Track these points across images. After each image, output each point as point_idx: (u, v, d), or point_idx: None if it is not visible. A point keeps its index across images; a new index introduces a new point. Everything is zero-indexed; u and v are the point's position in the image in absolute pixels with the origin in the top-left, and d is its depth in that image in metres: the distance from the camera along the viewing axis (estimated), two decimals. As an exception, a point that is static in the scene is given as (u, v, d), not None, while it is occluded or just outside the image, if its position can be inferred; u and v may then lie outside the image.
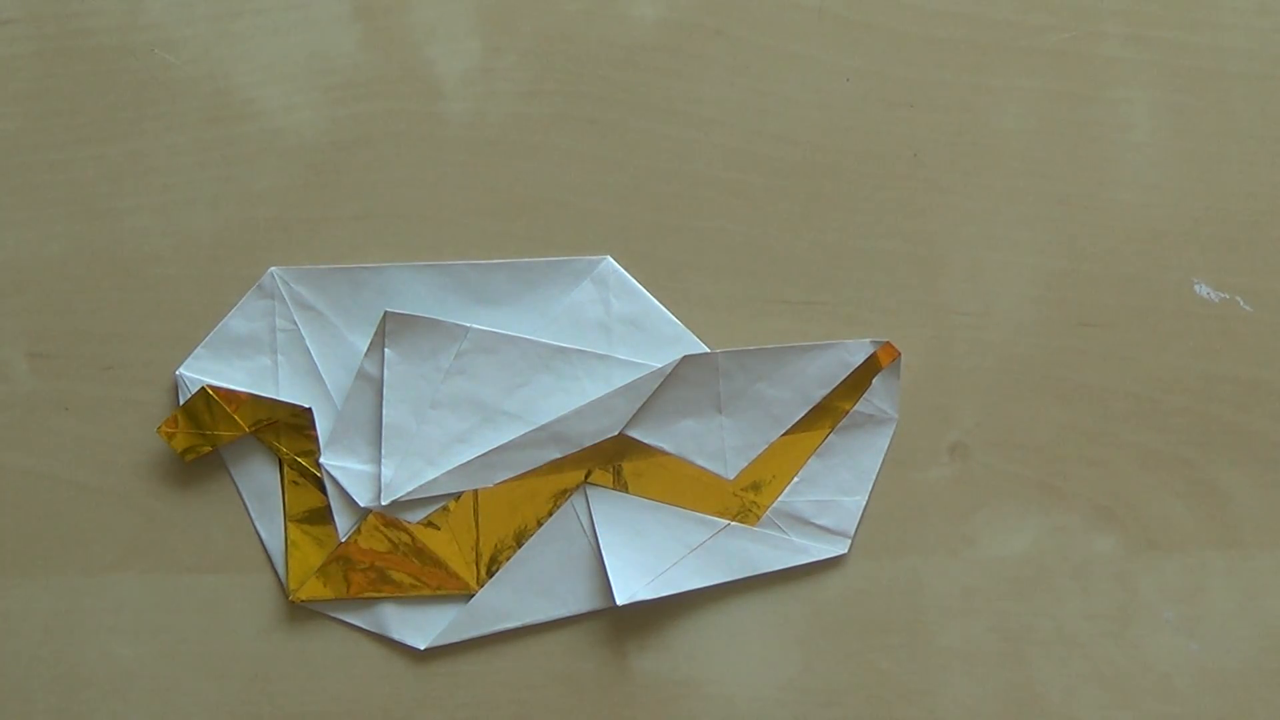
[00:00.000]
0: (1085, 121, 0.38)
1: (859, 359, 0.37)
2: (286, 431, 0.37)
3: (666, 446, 0.37)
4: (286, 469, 0.37)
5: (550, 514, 0.37)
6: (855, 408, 0.38)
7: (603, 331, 0.37)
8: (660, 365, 0.37)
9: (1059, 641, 0.38)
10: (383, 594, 0.37)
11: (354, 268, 0.37)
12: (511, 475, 0.37)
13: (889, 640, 0.38)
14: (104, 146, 0.38)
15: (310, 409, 0.37)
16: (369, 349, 0.37)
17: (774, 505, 0.38)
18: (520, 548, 0.37)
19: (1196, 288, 0.38)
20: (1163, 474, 0.38)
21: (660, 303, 0.38)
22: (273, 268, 0.37)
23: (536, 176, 0.38)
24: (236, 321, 0.37)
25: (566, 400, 0.37)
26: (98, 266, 0.38)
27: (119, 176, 0.38)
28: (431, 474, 0.37)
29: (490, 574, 0.37)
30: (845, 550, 0.38)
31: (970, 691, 0.38)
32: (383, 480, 0.37)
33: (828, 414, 0.38)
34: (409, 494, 0.37)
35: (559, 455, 0.37)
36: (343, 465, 0.37)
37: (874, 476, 0.38)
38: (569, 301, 0.37)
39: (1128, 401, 0.38)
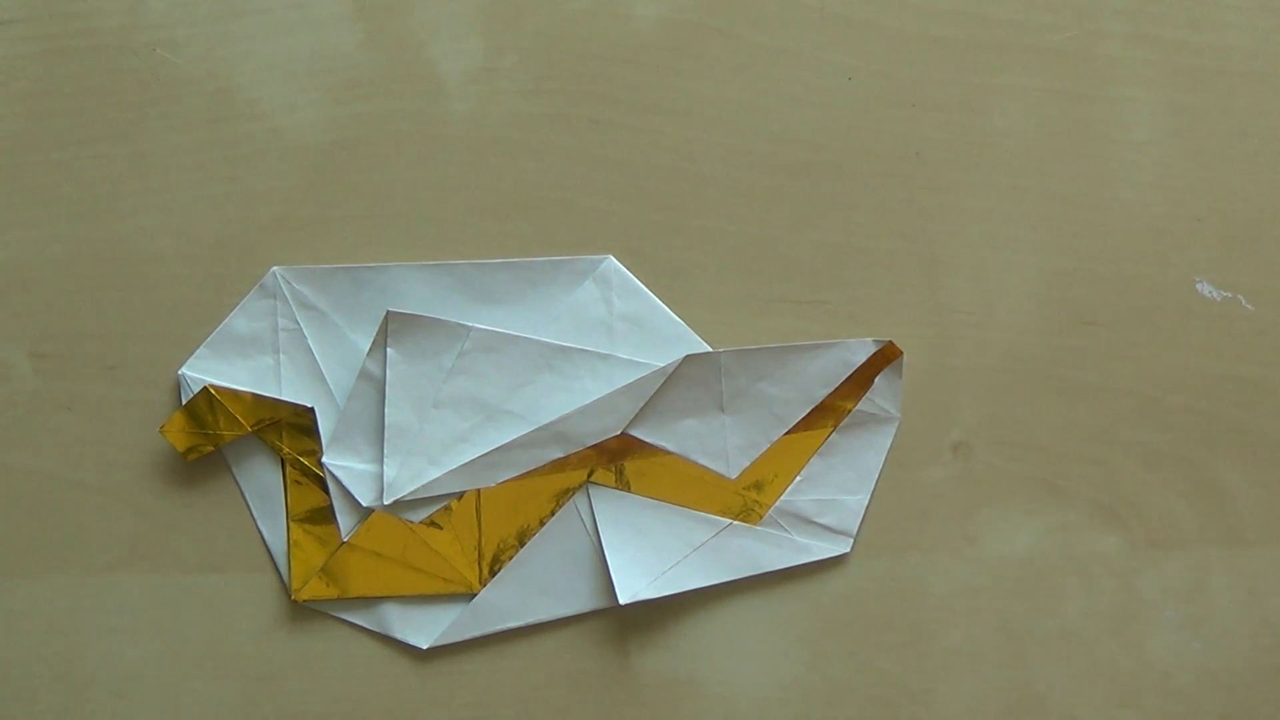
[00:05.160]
0: (1087, 120, 0.38)
1: (861, 358, 0.37)
2: (289, 431, 0.37)
3: (669, 445, 0.37)
4: (289, 468, 0.37)
5: (553, 513, 0.37)
6: (858, 407, 0.38)
7: (605, 331, 0.37)
8: (662, 364, 0.37)
9: (1061, 640, 0.38)
10: (385, 593, 0.37)
11: (356, 267, 0.37)
12: (514, 474, 0.37)
13: (891, 639, 0.38)
14: (106, 146, 0.38)
15: (313, 408, 0.37)
16: (371, 348, 0.37)
17: (776, 504, 0.38)
18: (523, 547, 0.37)
19: (1198, 286, 0.38)
20: (1165, 472, 0.38)
21: (662, 302, 0.38)
22: (275, 267, 0.37)
23: (538, 176, 0.38)
24: (239, 321, 0.37)
25: (569, 399, 0.37)
26: (100, 266, 0.38)
27: (121, 176, 0.38)
28: (434, 473, 0.37)
29: (493, 573, 0.37)
30: (848, 549, 0.38)
31: (972, 690, 0.38)
32: (385, 480, 0.37)
33: (830, 413, 0.38)
34: (411, 493, 0.37)
35: (561, 454, 0.37)
36: (345, 465, 0.37)
37: (876, 475, 0.38)
38: (571, 301, 0.37)
39: (1130, 400, 0.38)
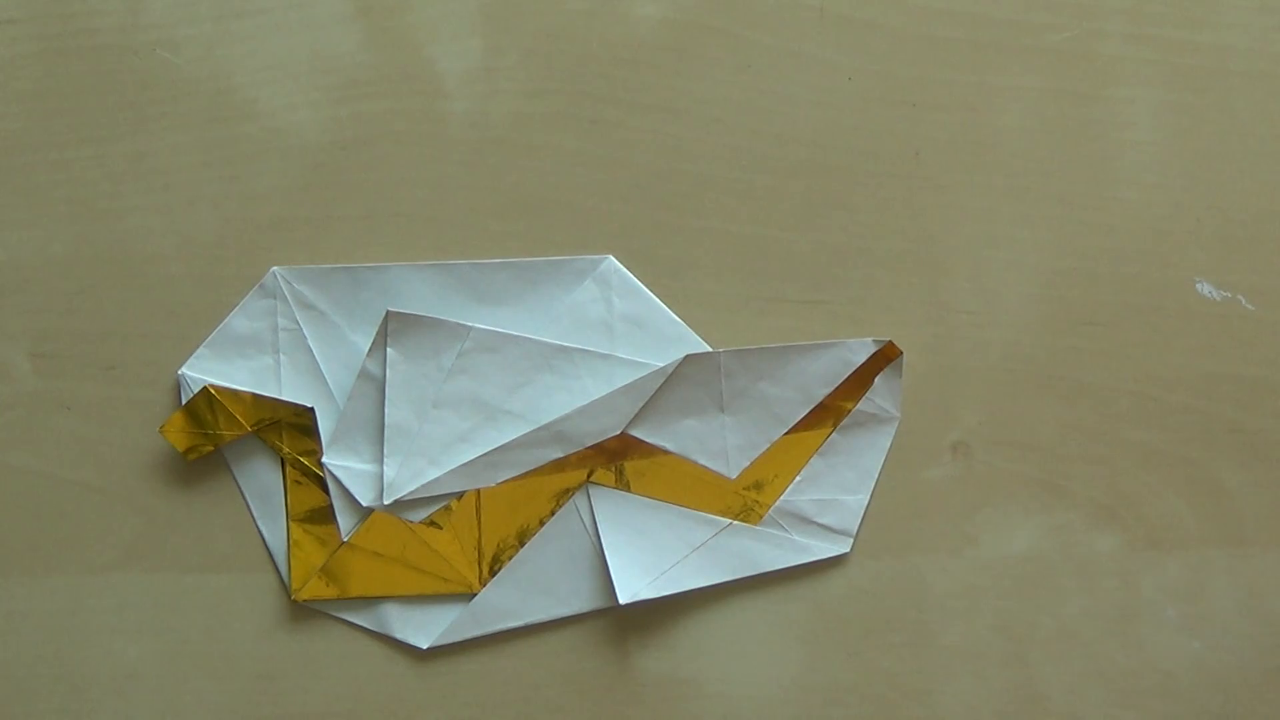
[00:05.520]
0: (1087, 120, 0.38)
1: (861, 358, 0.37)
2: (289, 431, 0.37)
3: (669, 445, 0.37)
4: (289, 468, 0.37)
5: (552, 513, 0.37)
6: (857, 407, 0.38)
7: (605, 331, 0.37)
8: (662, 364, 0.37)
9: (1061, 640, 0.38)
10: (385, 593, 0.37)
11: (356, 267, 0.37)
12: (514, 474, 0.37)
13: (891, 639, 0.38)
14: (106, 146, 0.38)
15: (313, 408, 0.37)
16: (371, 348, 0.37)
17: (776, 504, 0.38)
18: (522, 547, 0.37)
19: (1198, 286, 0.38)
20: (1164, 472, 0.38)
21: (662, 302, 0.38)
22: (275, 267, 0.37)
23: (538, 176, 0.38)
24: (239, 321, 0.37)
25: (569, 399, 0.37)
26: (100, 266, 0.38)
27: (121, 176, 0.38)
28: (434, 473, 0.37)
29: (493, 573, 0.37)
30: (848, 549, 0.38)
31: (972, 690, 0.38)
32: (385, 479, 0.37)
33: (830, 413, 0.38)
34: (411, 493, 0.37)
35: (561, 454, 0.37)
36: (345, 465, 0.37)
37: (876, 475, 0.38)
38: (571, 301, 0.37)
39: (1129, 400, 0.38)
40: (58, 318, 0.38)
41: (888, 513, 0.38)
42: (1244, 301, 0.38)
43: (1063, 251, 0.38)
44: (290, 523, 0.37)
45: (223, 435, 0.37)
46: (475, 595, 0.37)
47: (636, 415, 0.37)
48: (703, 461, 0.37)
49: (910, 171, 0.38)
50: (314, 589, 0.37)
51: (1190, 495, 0.38)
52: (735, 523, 0.38)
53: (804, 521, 0.38)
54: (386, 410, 0.37)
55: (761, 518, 0.38)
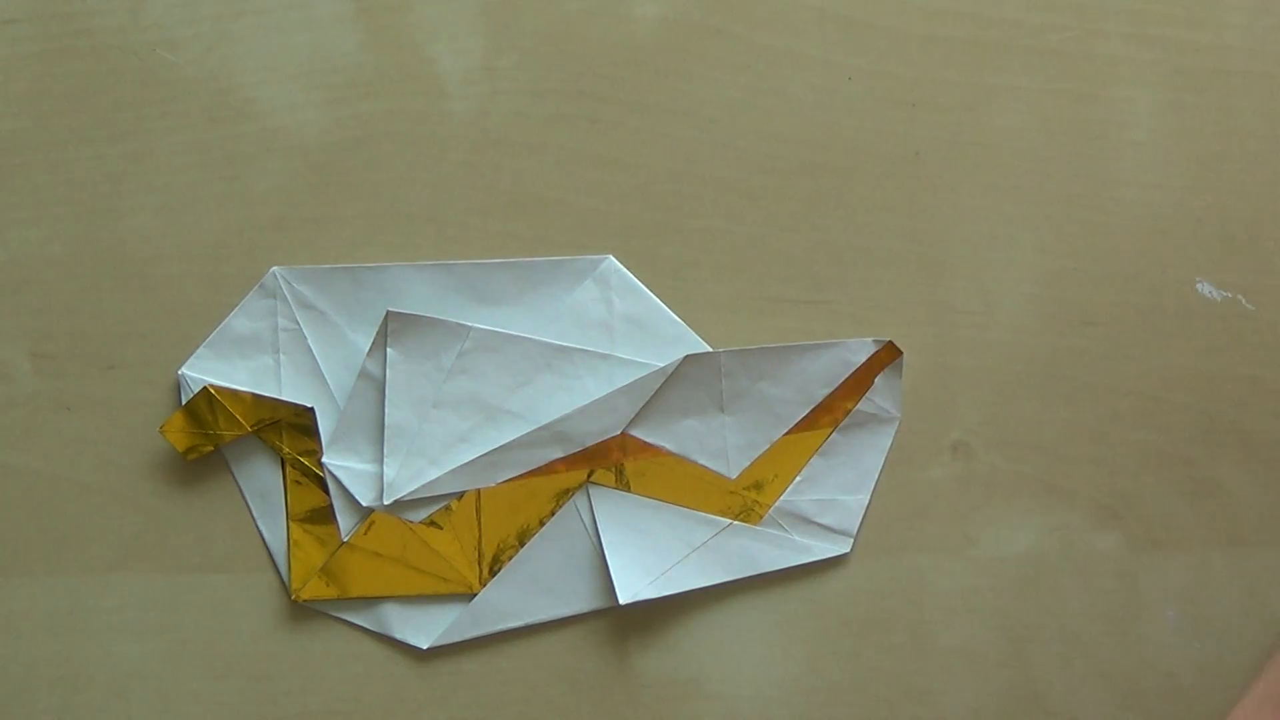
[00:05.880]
0: (1087, 120, 0.38)
1: (861, 358, 0.37)
2: (289, 431, 0.37)
3: (669, 445, 0.37)
4: (289, 468, 0.37)
5: (552, 513, 0.37)
6: (857, 407, 0.38)
7: (605, 331, 0.37)
8: (662, 364, 0.37)
9: (1061, 640, 0.38)
10: (385, 593, 0.37)
11: (356, 267, 0.37)
12: (514, 474, 0.37)
13: (892, 639, 0.38)
14: (106, 146, 0.38)
15: (313, 408, 0.37)
16: (371, 348, 0.37)
17: (776, 504, 0.38)
18: (522, 547, 0.37)
19: (1199, 286, 0.38)
20: (1165, 472, 0.38)
21: (662, 302, 0.38)
22: (275, 267, 0.37)
23: (538, 176, 0.38)
24: (239, 321, 0.37)
25: (569, 399, 0.37)
26: (100, 266, 0.38)
27: (121, 176, 0.38)
28: (434, 473, 0.37)
29: (493, 573, 0.37)
30: (848, 549, 0.38)
31: (973, 690, 0.38)
32: (385, 480, 0.37)
33: (830, 413, 0.38)
34: (411, 493, 0.37)
35: (561, 454, 0.37)
36: (345, 465, 0.37)
37: (876, 475, 0.38)
38: (571, 301, 0.37)
39: (1130, 400, 0.38)
40: (58, 318, 0.38)
41: (888, 513, 0.38)
42: (1244, 301, 0.38)
43: (1062, 251, 0.38)
44: (290, 523, 0.37)
45: (223, 435, 0.37)
46: (475, 595, 0.37)
47: (636, 415, 0.37)
48: (703, 461, 0.37)
49: (910, 171, 0.38)
50: (314, 589, 0.37)
51: (1191, 495, 0.38)
52: (735, 523, 0.38)
53: (804, 521, 0.38)
54: (386, 410, 0.37)
55: (761, 518, 0.38)
